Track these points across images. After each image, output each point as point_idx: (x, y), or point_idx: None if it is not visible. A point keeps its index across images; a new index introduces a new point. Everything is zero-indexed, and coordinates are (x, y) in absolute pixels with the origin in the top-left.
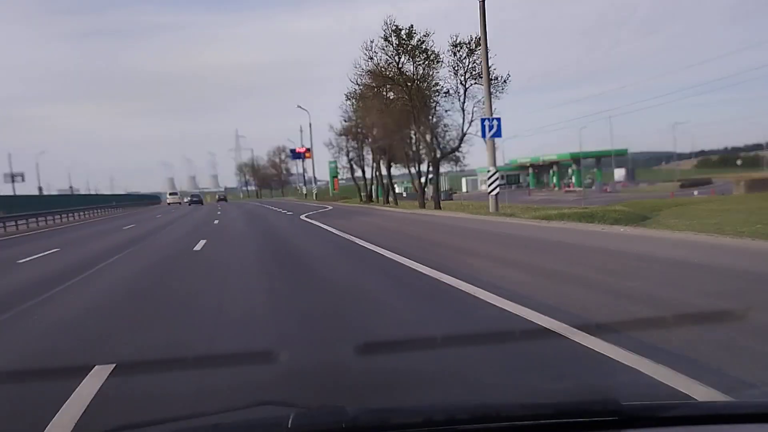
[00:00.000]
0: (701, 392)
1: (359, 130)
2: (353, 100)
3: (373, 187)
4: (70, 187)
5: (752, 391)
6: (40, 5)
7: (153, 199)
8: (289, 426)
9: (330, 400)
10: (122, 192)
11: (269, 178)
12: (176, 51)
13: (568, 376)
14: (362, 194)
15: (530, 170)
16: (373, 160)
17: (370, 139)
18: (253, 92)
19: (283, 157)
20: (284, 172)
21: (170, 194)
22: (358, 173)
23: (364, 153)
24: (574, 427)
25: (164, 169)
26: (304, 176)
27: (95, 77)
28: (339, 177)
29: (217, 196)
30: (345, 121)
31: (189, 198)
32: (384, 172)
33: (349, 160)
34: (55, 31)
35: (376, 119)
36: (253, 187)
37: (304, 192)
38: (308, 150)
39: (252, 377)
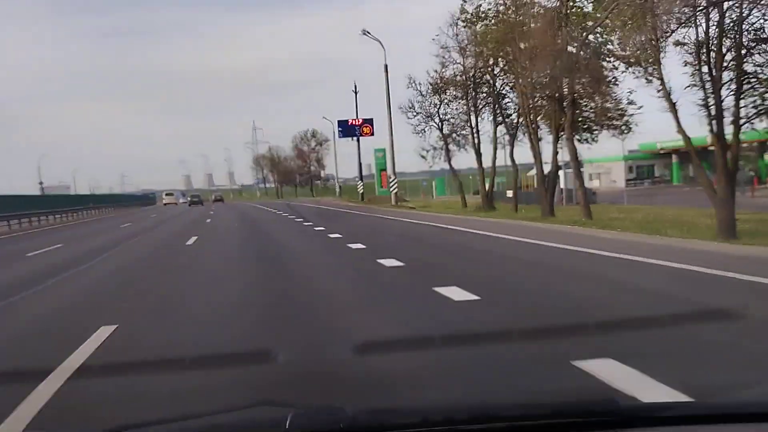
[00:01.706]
0: None
1: (487, 68)
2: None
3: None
4: (40, 183)
5: (750, 390)
6: (56, 5)
7: (145, 199)
8: (287, 426)
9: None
10: (134, 190)
11: (294, 172)
12: (193, 49)
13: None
14: (462, 193)
15: (674, 158)
16: (527, 124)
17: (512, 84)
18: (274, 90)
19: (312, 144)
20: (314, 164)
21: (166, 194)
22: (460, 160)
23: (487, 114)
24: (573, 427)
25: (181, 167)
26: (360, 167)
27: (111, 76)
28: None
29: (213, 197)
30: (442, 65)
31: (189, 198)
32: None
33: (444, 136)
34: (71, 31)
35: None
36: (272, 184)
37: (361, 189)
38: (367, 123)
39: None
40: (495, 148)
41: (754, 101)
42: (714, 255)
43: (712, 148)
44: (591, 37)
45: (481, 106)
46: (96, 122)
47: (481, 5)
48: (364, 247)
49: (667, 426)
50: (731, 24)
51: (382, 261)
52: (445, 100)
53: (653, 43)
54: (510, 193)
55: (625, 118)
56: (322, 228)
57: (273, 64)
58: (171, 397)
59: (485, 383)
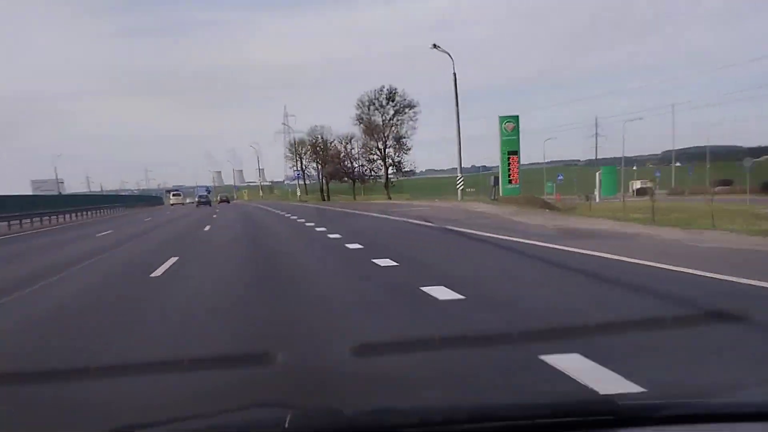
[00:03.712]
0: None
1: None
2: None
3: None
4: None
5: (750, 390)
6: (86, 3)
7: (151, 200)
8: (286, 427)
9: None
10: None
11: (345, 160)
12: (223, 46)
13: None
14: None
15: None
16: None
17: None
18: (306, 88)
19: (390, 113)
20: (393, 145)
21: (173, 195)
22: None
23: None
24: (571, 427)
25: (212, 163)
26: None
27: (139, 73)
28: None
29: (218, 197)
30: None
31: (197, 198)
32: None
33: None
34: (101, 29)
35: None
36: (314, 180)
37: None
38: None
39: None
40: None
41: None
42: None
43: None
44: None
45: None
46: (124, 119)
47: None
48: None
49: (666, 425)
50: None
51: None
52: None
53: None
54: None
55: None
56: None
57: (313, 60)
58: (169, 398)
59: (484, 383)
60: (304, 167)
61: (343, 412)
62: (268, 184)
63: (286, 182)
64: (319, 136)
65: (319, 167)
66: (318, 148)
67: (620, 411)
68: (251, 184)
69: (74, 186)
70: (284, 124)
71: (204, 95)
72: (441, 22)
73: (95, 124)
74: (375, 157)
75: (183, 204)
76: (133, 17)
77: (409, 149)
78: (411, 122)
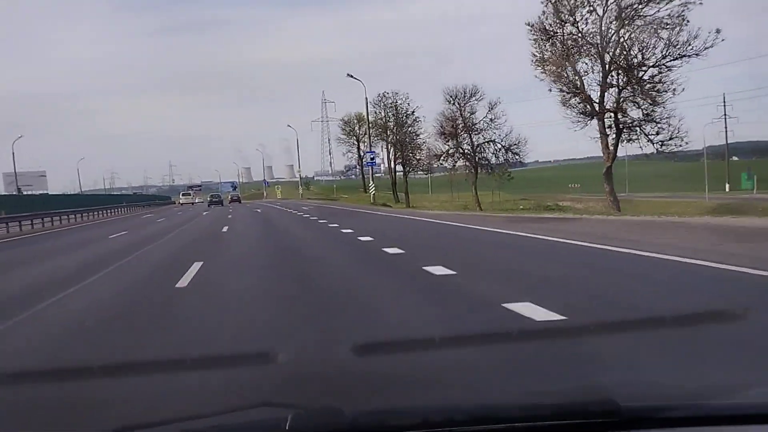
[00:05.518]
0: None
1: None
2: None
3: None
4: None
5: (752, 391)
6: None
7: (157, 200)
8: (287, 427)
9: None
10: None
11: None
12: (253, 42)
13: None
14: None
15: None
16: None
17: None
18: (334, 84)
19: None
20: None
21: (183, 194)
22: None
23: None
24: (573, 429)
25: (240, 159)
26: None
27: (169, 71)
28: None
29: (229, 197)
30: None
31: (209, 197)
32: None
33: None
34: (131, 28)
35: None
36: (379, 173)
37: None
38: None
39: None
40: None
41: None
42: None
43: None
44: None
45: None
46: (151, 117)
47: None
48: None
49: (668, 427)
50: None
51: None
52: None
53: None
54: None
55: None
56: None
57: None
58: (170, 398)
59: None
60: (362, 156)
61: (343, 412)
62: (298, 179)
63: (316, 178)
64: (394, 106)
65: (390, 151)
66: (388, 124)
67: (622, 412)
68: (280, 179)
69: (100, 183)
70: (327, 100)
71: (233, 92)
72: None
73: (123, 121)
74: (592, 91)
75: (193, 204)
76: (164, 16)
77: (674, 91)
78: (681, 18)
